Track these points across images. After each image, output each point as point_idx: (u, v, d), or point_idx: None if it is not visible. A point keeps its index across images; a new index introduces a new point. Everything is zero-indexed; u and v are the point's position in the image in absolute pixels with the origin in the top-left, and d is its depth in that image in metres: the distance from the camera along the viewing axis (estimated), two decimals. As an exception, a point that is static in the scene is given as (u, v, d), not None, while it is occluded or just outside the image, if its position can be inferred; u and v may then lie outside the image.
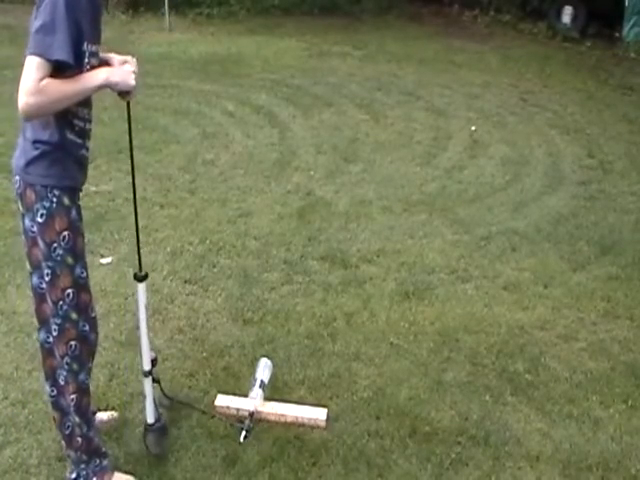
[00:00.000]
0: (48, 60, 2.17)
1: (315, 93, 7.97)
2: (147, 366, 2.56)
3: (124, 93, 2.44)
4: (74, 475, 2.65)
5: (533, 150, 6.59)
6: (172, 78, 8.25)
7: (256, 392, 3.09)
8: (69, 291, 2.44)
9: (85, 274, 2.51)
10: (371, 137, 6.74)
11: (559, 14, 11.55)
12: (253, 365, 3.28)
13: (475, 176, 5.94)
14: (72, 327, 2.48)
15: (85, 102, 2.39)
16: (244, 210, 5.10)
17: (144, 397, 2.62)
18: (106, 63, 2.54)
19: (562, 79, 9.08)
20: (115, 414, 3.00)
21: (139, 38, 10.32)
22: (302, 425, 3.03)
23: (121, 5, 11.73)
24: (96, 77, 2.30)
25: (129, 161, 2.66)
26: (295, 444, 2.94)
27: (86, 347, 2.55)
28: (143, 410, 2.66)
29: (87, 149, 2.52)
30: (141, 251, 4.61)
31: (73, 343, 2.49)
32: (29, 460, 2.81)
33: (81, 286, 2.49)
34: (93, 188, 5.21)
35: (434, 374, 3.43)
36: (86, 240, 4.48)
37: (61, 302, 2.44)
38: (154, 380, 2.66)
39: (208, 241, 4.62)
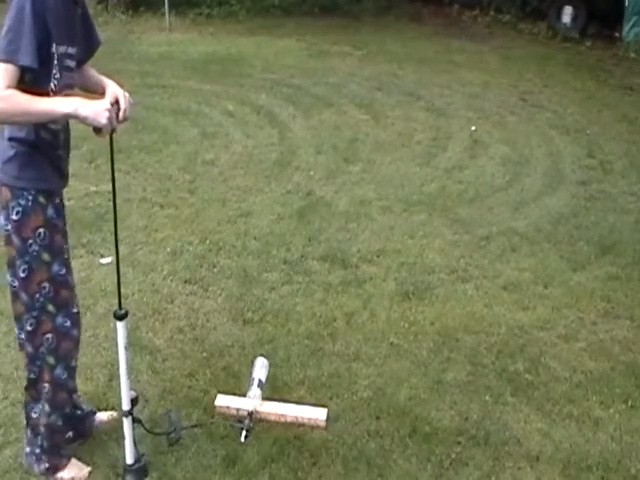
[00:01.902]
0: (15, 65, 2.17)
1: (315, 93, 7.97)
2: (127, 406, 2.53)
3: (97, 129, 2.31)
4: (27, 449, 2.72)
5: (533, 150, 6.58)
6: (172, 78, 8.25)
7: (254, 391, 3.09)
8: (45, 284, 2.45)
9: (64, 271, 2.50)
10: (371, 137, 6.74)
11: (559, 14, 11.54)
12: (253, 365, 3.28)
13: (475, 176, 5.94)
14: (49, 320, 2.49)
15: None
16: (244, 210, 5.10)
17: (123, 437, 2.58)
18: (102, 88, 2.58)
19: (562, 79, 9.08)
20: (115, 414, 2.99)
21: (139, 38, 10.32)
22: (302, 425, 3.03)
23: (121, 5, 11.73)
24: (66, 104, 2.24)
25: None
26: (295, 444, 2.94)
27: (67, 342, 2.55)
28: (122, 450, 2.60)
29: (65, 152, 2.52)
30: (141, 251, 4.65)
31: (50, 336, 2.50)
32: (29, 460, 2.81)
33: (59, 283, 2.48)
34: (93, 188, 5.22)
35: (434, 374, 3.43)
36: (86, 240, 4.54)
37: (37, 295, 2.45)
38: (135, 420, 2.58)
39: (208, 241, 4.62)
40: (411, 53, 9.99)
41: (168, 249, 4.49)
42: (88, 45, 2.59)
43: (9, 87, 2.17)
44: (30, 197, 2.37)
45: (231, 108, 7.28)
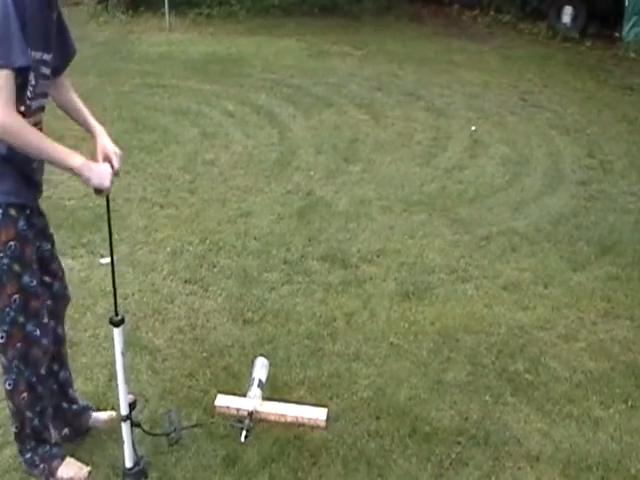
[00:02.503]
0: (12, 69, 2.17)
1: (315, 93, 7.97)
2: (125, 411, 2.54)
3: (98, 190, 2.43)
4: (21, 457, 2.72)
5: (533, 150, 6.58)
6: (172, 78, 8.25)
7: (254, 391, 3.09)
8: (15, 297, 2.44)
9: (35, 282, 2.48)
10: (371, 137, 6.74)
11: (559, 14, 11.54)
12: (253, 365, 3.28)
13: (475, 176, 5.94)
14: (19, 331, 2.48)
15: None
16: (244, 210, 5.10)
17: (122, 441, 2.58)
18: (87, 128, 2.64)
19: (562, 79, 9.08)
20: (114, 414, 2.99)
21: (139, 38, 10.32)
22: (302, 425, 3.03)
23: (121, 5, 11.73)
24: (72, 159, 2.32)
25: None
26: (295, 444, 2.93)
27: (36, 351, 2.53)
28: (122, 450, 2.59)
29: (39, 164, 2.53)
30: (141, 251, 4.65)
31: (19, 345, 2.50)
32: (29, 460, 2.81)
33: (30, 293, 2.47)
34: (93, 188, 5.22)
35: (434, 374, 3.43)
36: (86, 240, 4.54)
37: (7, 309, 2.44)
38: (134, 424, 2.59)
39: (208, 241, 4.62)
40: (411, 53, 9.99)
41: (168, 249, 4.49)
42: (63, 53, 2.56)
43: (10, 100, 2.18)
44: (1, 210, 2.36)
45: (231, 108, 7.28)
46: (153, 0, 11.62)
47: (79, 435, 2.90)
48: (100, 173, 2.37)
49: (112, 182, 2.37)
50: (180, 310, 3.87)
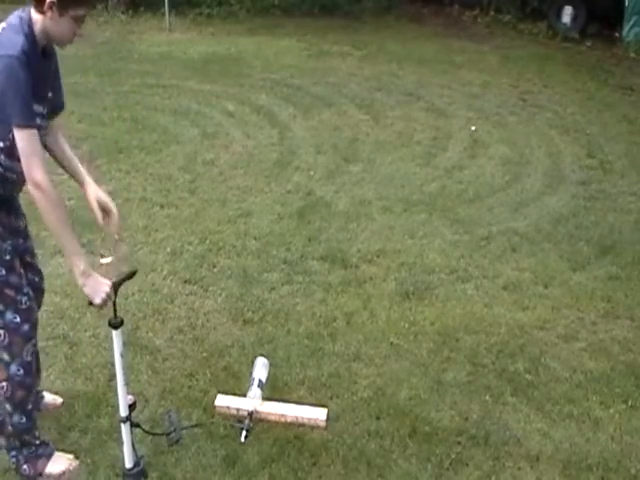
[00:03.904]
0: (35, 128, 2.31)
1: (315, 93, 7.97)
2: (124, 412, 2.54)
3: (90, 302, 2.43)
4: (8, 457, 2.74)
5: (533, 150, 6.58)
6: (172, 78, 8.25)
7: (254, 391, 3.09)
8: None
9: (4, 272, 2.50)
10: (371, 137, 6.74)
11: (559, 14, 11.53)
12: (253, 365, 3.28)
13: (475, 176, 5.94)
14: None
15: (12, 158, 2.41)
16: (244, 210, 5.10)
17: (121, 442, 2.59)
18: (78, 179, 2.68)
19: (562, 79, 9.07)
20: (59, 401, 3.06)
21: (139, 38, 10.31)
22: (302, 425, 3.03)
23: (121, 5, 11.72)
24: (78, 257, 2.38)
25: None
26: (295, 444, 2.94)
27: (18, 338, 2.55)
28: (122, 453, 2.59)
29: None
30: (141, 251, 4.65)
31: (1, 332, 2.52)
32: (29, 460, 2.81)
33: (1, 283, 2.50)
34: (93, 188, 5.22)
35: (434, 374, 3.43)
36: (86, 240, 4.53)
37: None
38: (133, 425, 2.59)
39: (208, 241, 4.62)
40: (411, 53, 9.98)
41: (168, 249, 4.49)
42: (53, 105, 2.58)
43: (43, 160, 2.32)
44: None
45: (231, 108, 7.28)
46: (153, 0, 11.60)
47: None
48: (95, 287, 2.37)
49: (106, 302, 2.38)
50: (180, 310, 3.87)
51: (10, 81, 2.27)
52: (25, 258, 2.70)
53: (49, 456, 2.75)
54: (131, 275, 2.56)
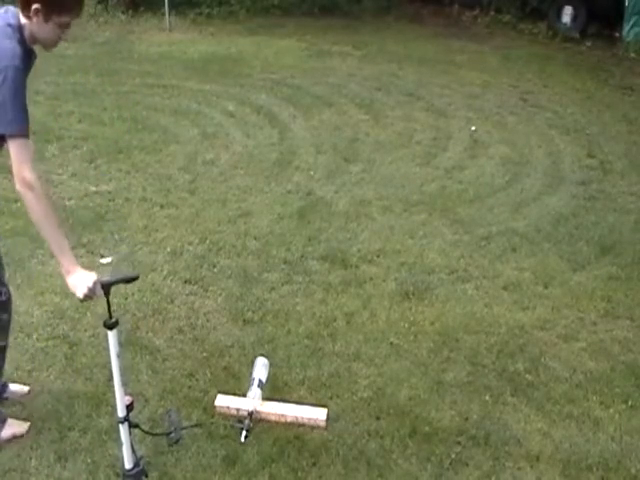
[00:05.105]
0: (28, 136, 2.38)
1: (315, 93, 7.97)
2: (122, 413, 2.54)
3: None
4: None
5: (533, 150, 6.58)
6: (172, 78, 8.25)
7: (254, 391, 3.09)
8: None
9: None
10: (371, 137, 6.74)
11: (559, 14, 11.53)
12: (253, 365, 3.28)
13: (475, 176, 5.94)
14: None
15: None
16: (244, 210, 5.10)
17: (121, 443, 2.59)
18: None
19: (562, 79, 9.07)
20: (26, 388, 3.14)
21: (139, 38, 10.31)
22: (302, 425, 3.03)
23: (121, 5, 11.72)
24: (62, 256, 2.43)
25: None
26: (295, 444, 2.94)
27: None
28: (121, 453, 2.58)
29: None
30: (141, 251, 4.65)
31: None
32: (29, 460, 2.81)
33: None
34: (93, 188, 5.22)
35: (434, 374, 3.43)
36: (86, 240, 4.54)
37: None
38: (132, 425, 2.58)
39: (208, 241, 4.62)
40: (411, 53, 9.98)
41: (168, 249, 4.49)
42: None
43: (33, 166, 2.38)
44: None
45: (231, 108, 7.28)
46: (153, 0, 11.60)
47: None
48: (75, 283, 2.40)
49: (88, 297, 2.40)
50: (180, 310, 3.87)
51: (10, 92, 2.33)
52: None
53: (4, 421, 2.87)
54: (129, 279, 2.55)
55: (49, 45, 2.51)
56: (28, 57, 2.47)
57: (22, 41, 2.42)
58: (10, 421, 2.91)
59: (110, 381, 3.19)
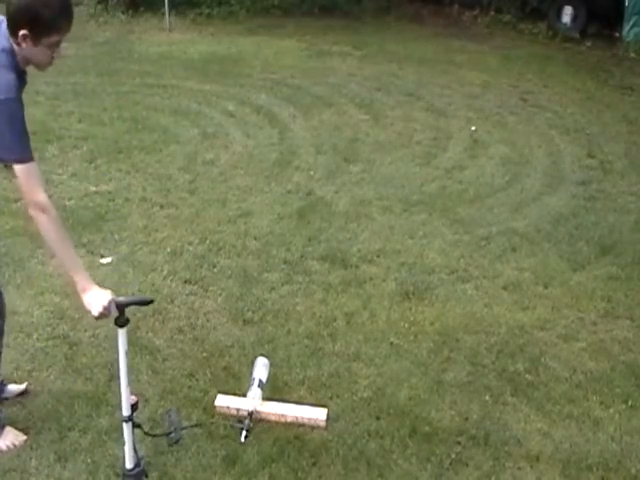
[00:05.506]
0: (33, 160, 2.39)
1: (315, 93, 7.97)
2: (127, 412, 2.54)
3: None
4: None
5: (533, 150, 6.58)
6: (172, 78, 8.24)
7: (255, 391, 3.09)
8: None
9: None
10: (371, 137, 6.73)
11: (559, 14, 11.53)
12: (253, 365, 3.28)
13: (475, 176, 5.94)
14: None
15: None
16: (244, 210, 5.10)
17: (123, 442, 2.59)
18: None
19: (562, 79, 9.07)
20: (23, 386, 3.14)
21: (139, 38, 10.31)
22: (302, 425, 3.03)
23: (121, 5, 11.72)
24: (78, 275, 2.43)
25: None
26: (295, 444, 2.94)
27: None
28: (122, 453, 2.57)
29: None
30: (141, 251, 4.64)
31: None
32: (29, 460, 2.81)
33: None
34: (93, 188, 5.22)
35: (434, 374, 3.43)
36: (86, 240, 4.53)
37: None
38: (135, 425, 2.57)
39: (208, 241, 4.62)
40: (411, 53, 9.98)
41: (168, 249, 4.49)
42: None
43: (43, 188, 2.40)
44: None
45: (231, 108, 7.28)
46: (153, 0, 11.60)
47: None
48: (91, 301, 2.41)
49: (104, 316, 2.40)
50: (180, 310, 3.87)
51: (7, 124, 2.34)
52: None
53: (3, 426, 2.86)
54: (144, 302, 2.58)
55: (43, 66, 2.49)
56: (22, 80, 2.47)
57: (16, 67, 2.40)
58: (8, 429, 2.89)
59: (111, 381, 3.21)
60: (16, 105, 2.36)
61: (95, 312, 2.39)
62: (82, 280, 2.44)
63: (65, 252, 2.46)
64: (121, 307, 2.41)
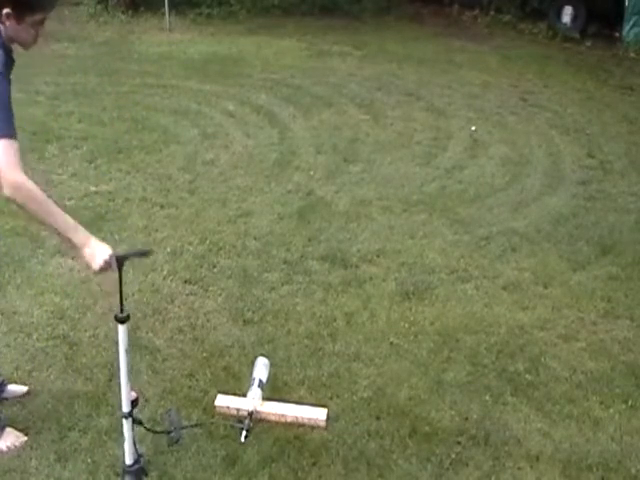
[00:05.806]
0: (15, 137, 2.31)
1: (315, 93, 7.97)
2: (127, 408, 2.54)
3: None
4: None
5: (533, 150, 6.59)
6: (172, 78, 8.25)
7: (255, 392, 3.09)
8: None
9: None
10: (371, 137, 6.74)
11: (559, 14, 11.54)
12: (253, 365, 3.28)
13: (475, 176, 5.94)
14: None
15: None
16: (244, 210, 5.10)
17: (123, 438, 2.58)
18: None
19: (562, 79, 9.08)
20: (24, 388, 3.13)
21: (139, 38, 10.32)
22: (302, 425, 3.03)
23: (121, 5, 11.72)
24: (73, 233, 2.35)
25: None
26: (295, 444, 2.94)
27: None
28: (122, 449, 2.59)
29: None
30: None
31: None
32: (29, 460, 2.81)
33: None
34: (93, 188, 5.22)
35: (434, 374, 3.43)
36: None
37: None
38: (135, 421, 2.58)
39: (208, 241, 4.62)
40: (411, 53, 9.99)
41: (168, 249, 4.49)
42: None
43: (20, 165, 2.28)
44: None
45: (231, 108, 7.28)
46: (153, 0, 11.61)
47: None
48: (92, 254, 2.36)
49: (103, 268, 2.35)
50: (180, 310, 3.87)
51: None
52: None
53: (3, 428, 2.85)
54: (143, 253, 2.53)
55: (28, 45, 2.48)
56: (10, 58, 2.44)
57: (2, 42, 2.39)
58: (8, 430, 2.88)
59: (110, 381, 3.21)
60: (3, 81, 2.32)
61: (96, 265, 2.35)
62: (79, 235, 2.36)
63: (53, 218, 2.35)
64: (121, 260, 2.38)
